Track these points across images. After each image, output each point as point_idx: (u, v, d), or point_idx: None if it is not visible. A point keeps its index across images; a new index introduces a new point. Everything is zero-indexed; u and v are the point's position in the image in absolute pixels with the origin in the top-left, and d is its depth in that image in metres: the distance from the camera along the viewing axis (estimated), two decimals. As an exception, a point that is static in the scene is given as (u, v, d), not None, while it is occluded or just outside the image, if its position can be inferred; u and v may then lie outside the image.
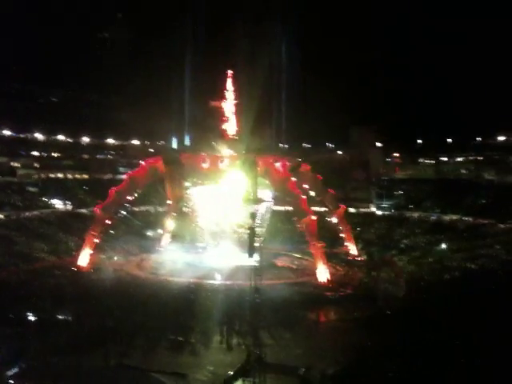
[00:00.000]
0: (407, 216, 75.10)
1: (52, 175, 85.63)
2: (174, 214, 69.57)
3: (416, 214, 74.25)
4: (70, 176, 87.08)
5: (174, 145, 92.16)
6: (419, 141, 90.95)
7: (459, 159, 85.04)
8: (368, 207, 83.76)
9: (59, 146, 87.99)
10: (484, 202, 68.75)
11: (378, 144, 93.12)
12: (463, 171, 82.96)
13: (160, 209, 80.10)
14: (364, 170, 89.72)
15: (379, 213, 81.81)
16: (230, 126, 64.53)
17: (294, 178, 57.03)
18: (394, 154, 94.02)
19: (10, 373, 23.31)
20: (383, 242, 67.44)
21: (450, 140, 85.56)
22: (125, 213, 65.53)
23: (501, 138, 78.79)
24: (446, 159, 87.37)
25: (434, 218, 71.16)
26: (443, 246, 60.23)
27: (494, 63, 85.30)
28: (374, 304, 40.43)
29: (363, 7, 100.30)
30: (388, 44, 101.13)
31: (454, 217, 68.12)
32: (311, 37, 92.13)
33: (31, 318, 34.52)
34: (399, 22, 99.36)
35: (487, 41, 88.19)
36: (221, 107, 64.23)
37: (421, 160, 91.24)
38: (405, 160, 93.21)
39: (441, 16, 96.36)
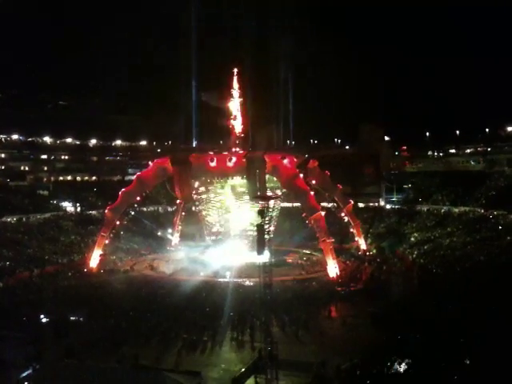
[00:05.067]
0: (417, 209, 74.70)
1: (61, 178, 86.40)
2: (184, 214, 69.96)
3: (426, 207, 73.83)
4: (79, 178, 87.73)
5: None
6: (427, 133, 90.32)
7: (468, 151, 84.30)
8: (378, 201, 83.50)
9: (68, 149, 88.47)
10: (494, 193, 67.88)
11: (387, 138, 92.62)
12: (472, 163, 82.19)
13: (169, 208, 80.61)
14: (373, 164, 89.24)
15: (388, 207, 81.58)
16: (237, 124, 64.46)
17: (301, 175, 56.89)
18: (403, 148, 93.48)
19: (23, 375, 23.50)
20: (393, 236, 67.16)
21: (458, 132, 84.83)
22: (134, 213, 65.71)
23: (511, 129, 77.65)
24: (454, 151, 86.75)
25: (444, 210, 70.63)
26: (454, 238, 59.70)
27: (500, 53, 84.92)
28: (386, 298, 40.27)
29: (375, 6, 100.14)
30: (398, 37, 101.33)
31: (465, 208, 67.47)
32: (319, 33, 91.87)
33: (44, 320, 34.74)
34: (406, 21, 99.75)
35: (492, 30, 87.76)
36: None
37: (430, 153, 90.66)
38: (414, 153, 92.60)
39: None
